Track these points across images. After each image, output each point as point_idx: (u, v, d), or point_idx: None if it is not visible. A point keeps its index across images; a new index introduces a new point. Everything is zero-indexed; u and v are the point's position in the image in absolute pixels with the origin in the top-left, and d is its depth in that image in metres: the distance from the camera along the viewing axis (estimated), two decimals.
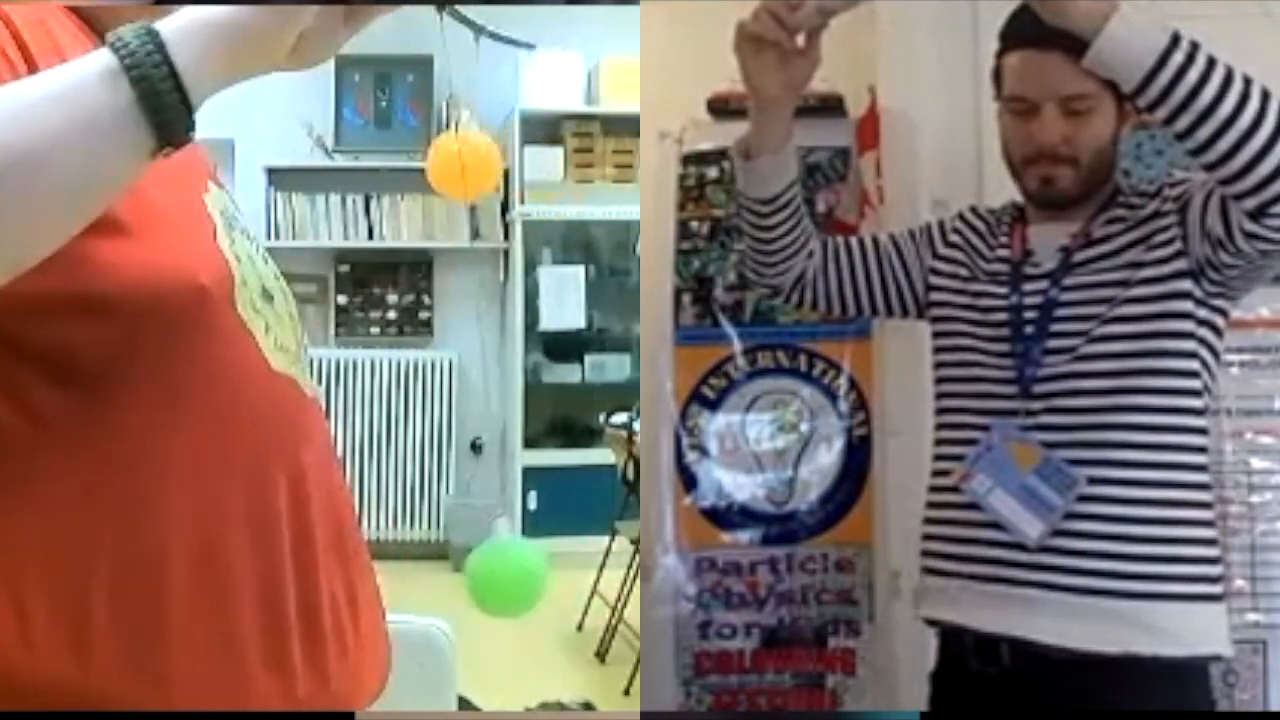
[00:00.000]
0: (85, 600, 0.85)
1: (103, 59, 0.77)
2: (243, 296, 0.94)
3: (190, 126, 0.80)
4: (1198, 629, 1.48)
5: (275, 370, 0.97)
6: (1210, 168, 1.33)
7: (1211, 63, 1.29)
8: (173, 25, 0.79)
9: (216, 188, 1.04)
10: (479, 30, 0.91)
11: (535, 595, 1.00)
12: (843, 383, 2.52)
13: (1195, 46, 1.29)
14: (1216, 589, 1.50)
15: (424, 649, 1.48)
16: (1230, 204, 1.38)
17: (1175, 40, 1.29)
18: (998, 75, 1.59)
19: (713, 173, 2.60)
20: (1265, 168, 1.29)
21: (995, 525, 1.52)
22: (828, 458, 2.52)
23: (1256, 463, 2.20)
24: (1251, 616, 2.15)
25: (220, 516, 0.91)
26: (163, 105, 0.77)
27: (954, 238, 1.72)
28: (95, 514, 0.86)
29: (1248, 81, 1.30)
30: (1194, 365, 1.49)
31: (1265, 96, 1.29)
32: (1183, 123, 1.30)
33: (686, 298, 2.60)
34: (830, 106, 2.51)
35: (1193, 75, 1.28)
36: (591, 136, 5.46)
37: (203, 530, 0.89)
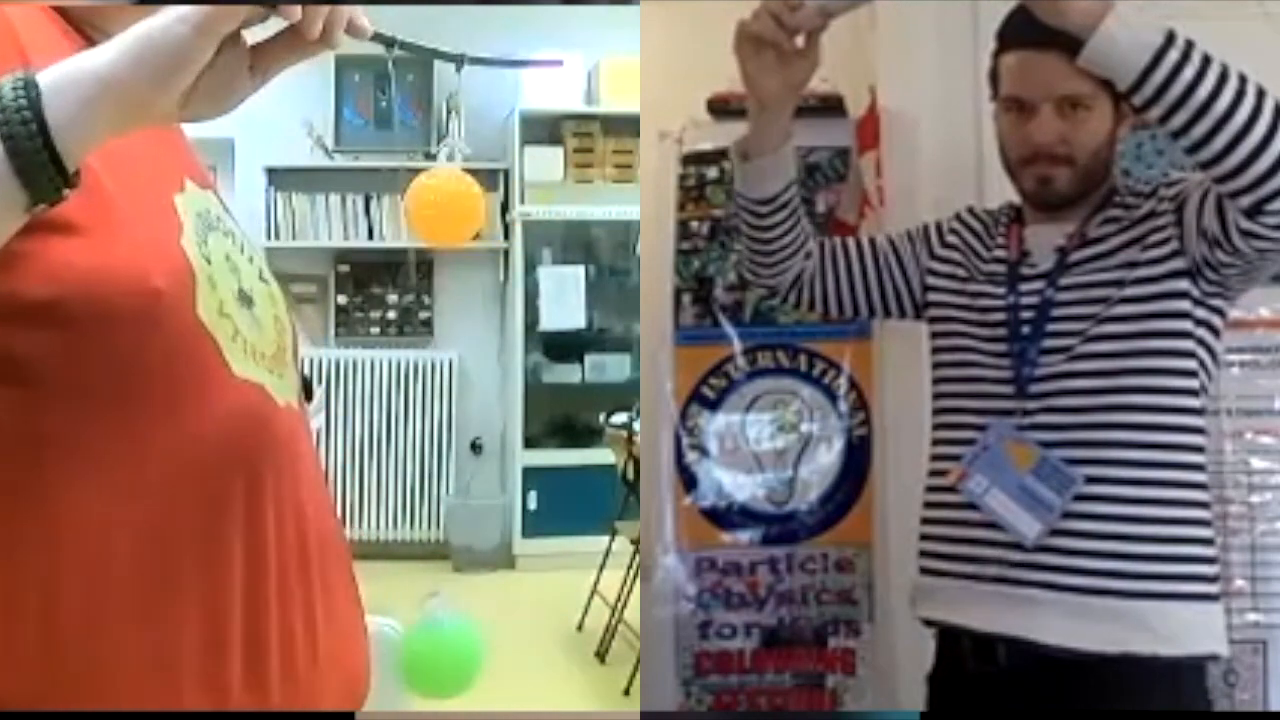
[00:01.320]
0: (15, 610, 0.83)
1: None
2: (207, 300, 0.90)
3: (65, 184, 0.76)
4: (1195, 629, 1.48)
5: (238, 377, 0.92)
6: (1205, 165, 1.33)
7: (1207, 60, 1.29)
8: (54, 75, 0.76)
9: (198, 187, 1.00)
10: (459, 60, 0.90)
11: (471, 679, 0.97)
12: (843, 383, 2.52)
13: (1190, 44, 1.29)
14: (1213, 588, 1.50)
15: (373, 649, 1.44)
16: (1226, 202, 1.37)
17: (1170, 38, 1.28)
18: (994, 75, 1.59)
19: (713, 173, 2.60)
20: (1261, 165, 1.29)
21: (992, 525, 1.52)
22: (828, 458, 2.52)
23: (1256, 463, 2.20)
24: (1251, 616, 2.15)
25: (164, 527, 0.87)
26: (30, 165, 0.74)
27: (951, 238, 1.72)
28: (30, 521, 0.83)
29: (1243, 79, 1.29)
30: (1191, 365, 1.49)
31: (1261, 94, 1.29)
32: (1178, 120, 1.30)
33: (686, 298, 2.60)
34: (830, 106, 2.51)
35: (1188, 73, 1.28)
36: (591, 136, 5.46)
37: (144, 540, 0.86)
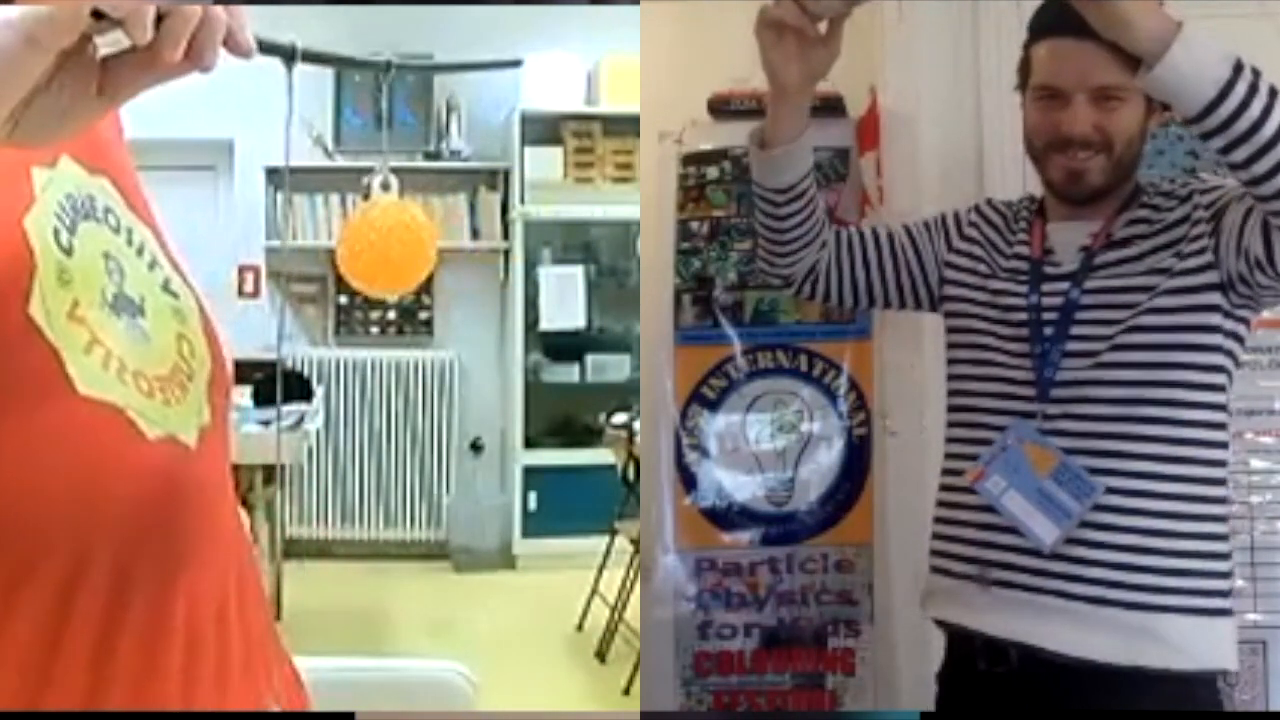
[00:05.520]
0: None
1: None
2: (50, 296, 0.72)
3: None
4: (1207, 643, 1.47)
5: (82, 395, 0.72)
6: (1265, 199, 1.29)
7: (1274, 94, 1.24)
8: None
9: (83, 169, 0.81)
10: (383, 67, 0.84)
11: None
12: (843, 383, 2.52)
13: (1258, 75, 1.24)
14: (1227, 603, 1.48)
15: (442, 697, 1.33)
16: (1274, 230, 1.33)
17: (1238, 69, 1.23)
18: (1025, 66, 1.54)
19: (713, 173, 2.59)
20: None
21: (1007, 528, 1.50)
22: (828, 458, 2.52)
23: (1256, 463, 2.20)
24: (1251, 616, 2.15)
25: None
26: None
27: (970, 231, 1.68)
28: None
29: None
30: (1220, 379, 1.47)
31: None
32: (1240, 155, 1.26)
33: (686, 298, 2.60)
34: (830, 106, 2.51)
35: (1255, 109, 1.23)
36: (591, 136, 5.46)
37: None
